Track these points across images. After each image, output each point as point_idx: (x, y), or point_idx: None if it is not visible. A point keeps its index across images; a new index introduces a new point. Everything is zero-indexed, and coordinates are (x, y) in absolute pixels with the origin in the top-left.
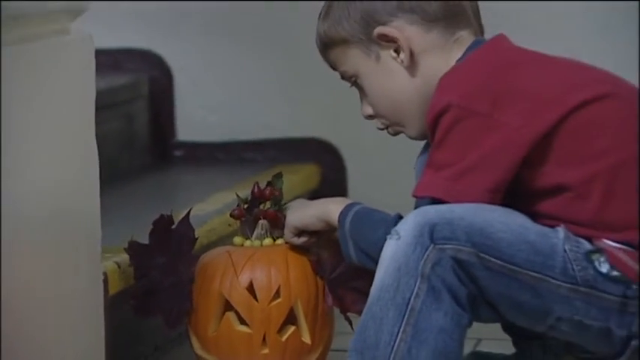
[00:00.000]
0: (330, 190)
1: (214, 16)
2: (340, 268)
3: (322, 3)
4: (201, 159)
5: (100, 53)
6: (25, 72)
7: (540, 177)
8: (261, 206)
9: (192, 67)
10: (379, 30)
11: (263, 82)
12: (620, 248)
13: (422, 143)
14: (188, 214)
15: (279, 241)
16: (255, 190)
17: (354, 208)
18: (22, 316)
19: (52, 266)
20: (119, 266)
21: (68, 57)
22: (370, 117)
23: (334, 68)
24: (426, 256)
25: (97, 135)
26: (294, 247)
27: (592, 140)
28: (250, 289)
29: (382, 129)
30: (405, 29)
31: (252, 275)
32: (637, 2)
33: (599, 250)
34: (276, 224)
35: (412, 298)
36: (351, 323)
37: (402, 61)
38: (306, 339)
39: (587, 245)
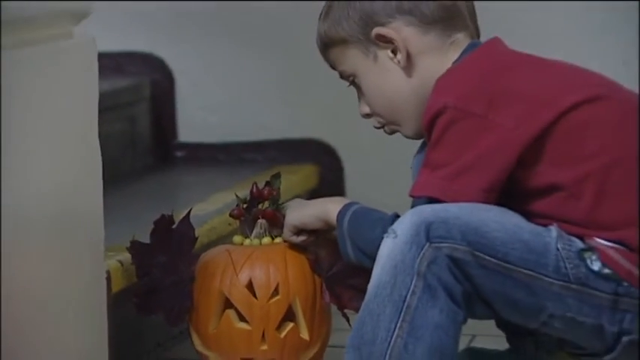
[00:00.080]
0: (328, 189)
1: (214, 20)
2: (337, 266)
3: (322, 5)
4: (202, 160)
5: (102, 56)
6: (30, 75)
7: (534, 177)
8: (260, 206)
9: (192, 69)
10: (377, 31)
11: (262, 85)
12: (611, 247)
13: (417, 144)
14: (189, 213)
15: (278, 240)
16: (254, 190)
17: (352, 207)
18: (27, 313)
19: (57, 264)
20: (122, 264)
21: (72, 60)
22: (367, 116)
23: (334, 67)
24: (422, 254)
25: (100, 136)
26: (293, 246)
27: (584, 141)
28: (250, 286)
29: (378, 128)
30: (402, 30)
31: (252, 273)
32: (637, 2)
33: (591, 249)
34: (275, 223)
35: (408, 296)
36: (348, 320)
37: (399, 62)
38: (305, 335)
39: (580, 244)
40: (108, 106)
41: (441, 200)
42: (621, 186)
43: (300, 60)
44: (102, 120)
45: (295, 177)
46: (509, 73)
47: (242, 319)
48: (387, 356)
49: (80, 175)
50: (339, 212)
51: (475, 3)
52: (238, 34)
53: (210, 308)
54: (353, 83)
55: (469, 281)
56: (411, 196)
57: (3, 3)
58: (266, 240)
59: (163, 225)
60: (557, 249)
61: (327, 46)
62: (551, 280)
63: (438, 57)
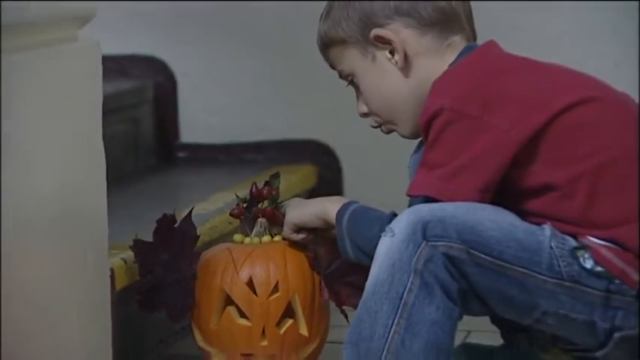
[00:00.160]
0: (327, 189)
1: (215, 23)
2: (336, 263)
3: (322, 5)
4: (203, 160)
5: (106, 59)
6: (36, 78)
7: (528, 177)
8: (260, 205)
9: (194, 72)
10: (375, 32)
11: (262, 86)
12: (603, 245)
13: (414, 144)
14: (190, 212)
15: (277, 238)
16: (254, 189)
17: (351, 206)
18: (32, 310)
19: (62, 262)
20: (125, 262)
21: (76, 63)
22: (365, 115)
23: (333, 67)
24: (418, 252)
25: (104, 137)
26: (292, 244)
27: (578, 142)
28: (250, 284)
29: (376, 127)
30: (400, 32)
31: (252, 271)
32: (637, 2)
33: (584, 247)
34: (274, 222)
35: (405, 293)
36: (346, 316)
37: (397, 63)
38: (304, 331)
39: (573, 242)
40: (112, 108)
41: (437, 199)
42: (614, 186)
43: (300, 63)
44: (106, 122)
45: (294, 177)
46: (504, 76)
47: (242, 315)
48: (385, 352)
49: (85, 175)
50: (339, 211)
51: (472, 4)
52: (238, 37)
53: (212, 305)
54: (351, 83)
55: (465, 279)
56: (408, 195)
57: (7, 5)
58: (266, 238)
59: (166, 224)
60: (551, 247)
61: (327, 45)
62: (544, 277)
63: (434, 59)
